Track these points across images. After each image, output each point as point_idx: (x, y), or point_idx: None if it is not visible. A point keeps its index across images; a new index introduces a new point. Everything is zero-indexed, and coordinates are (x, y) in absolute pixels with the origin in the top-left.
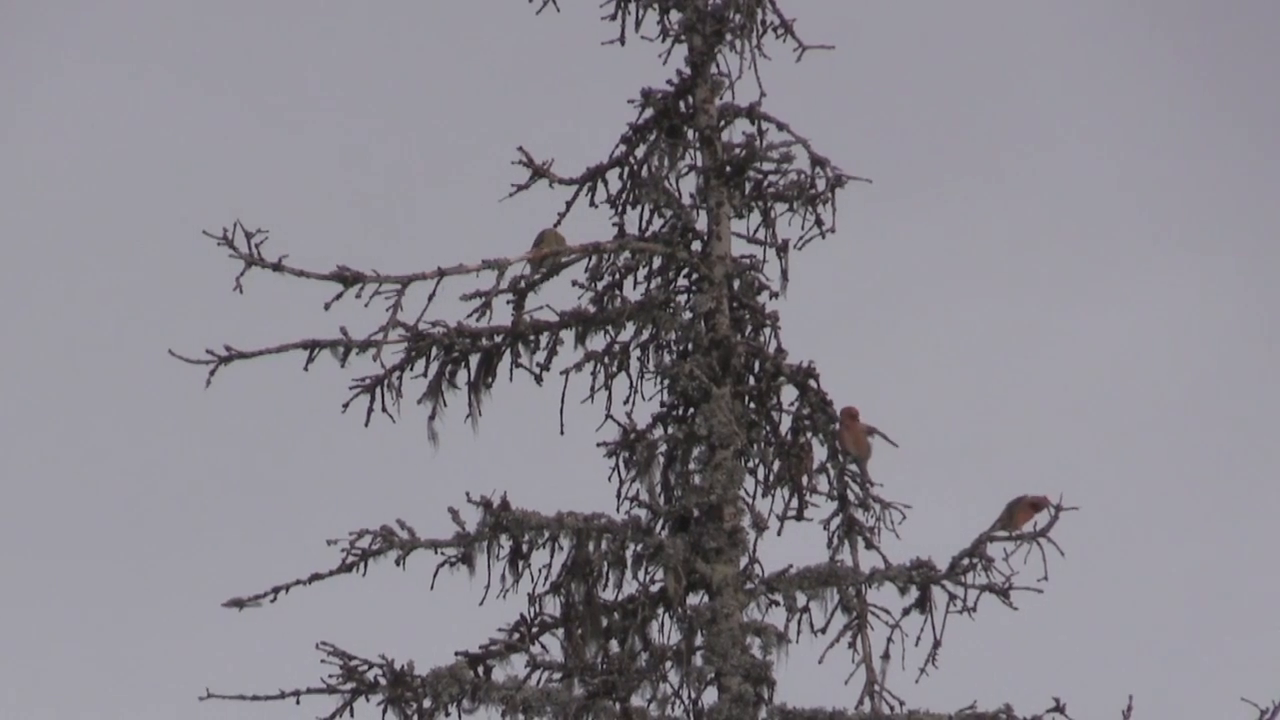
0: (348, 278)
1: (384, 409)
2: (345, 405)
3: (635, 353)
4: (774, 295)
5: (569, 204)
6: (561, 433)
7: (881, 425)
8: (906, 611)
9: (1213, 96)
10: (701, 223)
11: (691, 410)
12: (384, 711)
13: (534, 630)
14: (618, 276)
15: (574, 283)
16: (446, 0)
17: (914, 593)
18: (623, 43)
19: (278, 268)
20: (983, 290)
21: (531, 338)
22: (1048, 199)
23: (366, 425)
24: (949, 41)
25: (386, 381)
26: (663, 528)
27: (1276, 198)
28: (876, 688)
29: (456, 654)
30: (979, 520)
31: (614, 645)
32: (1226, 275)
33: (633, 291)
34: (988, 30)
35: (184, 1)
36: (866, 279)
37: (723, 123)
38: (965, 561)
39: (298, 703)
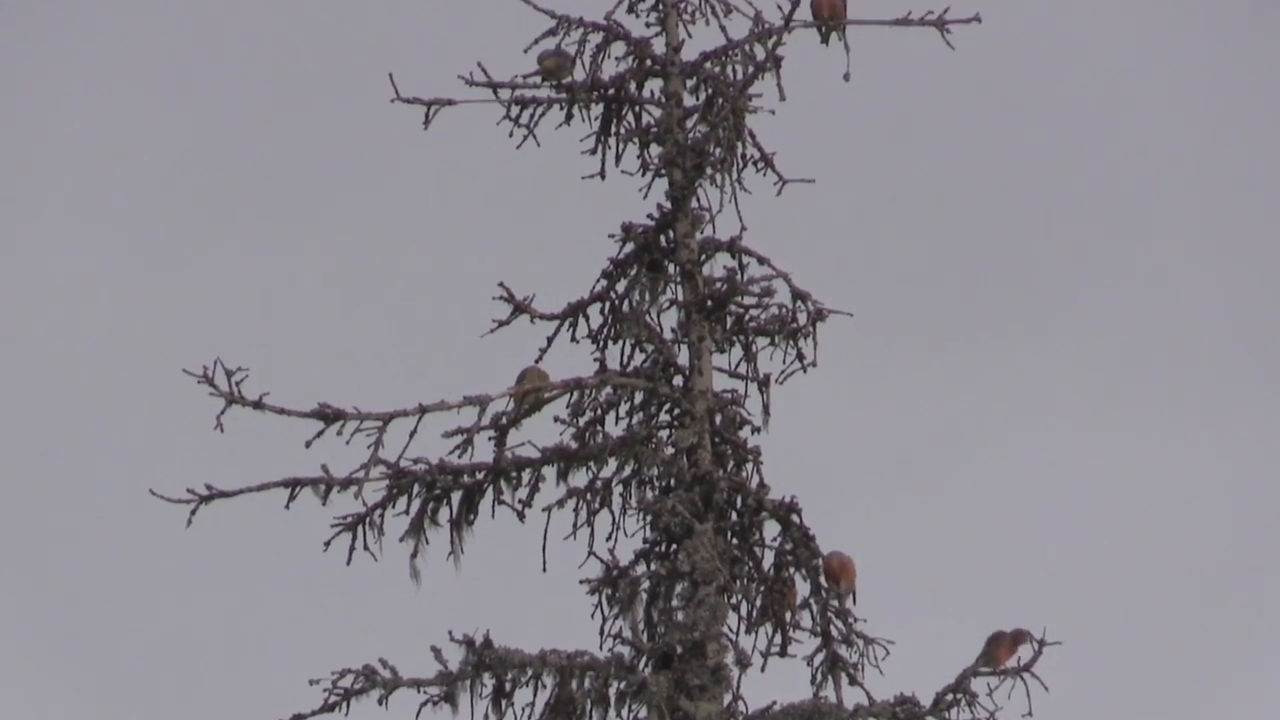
0: (329, 415)
1: (366, 547)
2: (327, 544)
3: (617, 489)
4: (756, 430)
5: (550, 340)
6: (544, 570)
7: (864, 563)
8: None
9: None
10: (683, 358)
11: (674, 546)
12: None
13: None
14: (599, 412)
15: (556, 419)
16: (425, 134)
17: None
18: (603, 177)
19: (258, 406)
20: (964, 425)
21: (513, 474)
22: (1038, 340)
23: (349, 563)
24: (932, 173)
25: (368, 519)
26: (646, 665)
27: None
28: None
29: None
30: (963, 655)
31: None
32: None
33: (615, 427)
34: (966, 158)
35: (162, 134)
36: (849, 413)
37: (704, 257)
38: (949, 697)
39: None
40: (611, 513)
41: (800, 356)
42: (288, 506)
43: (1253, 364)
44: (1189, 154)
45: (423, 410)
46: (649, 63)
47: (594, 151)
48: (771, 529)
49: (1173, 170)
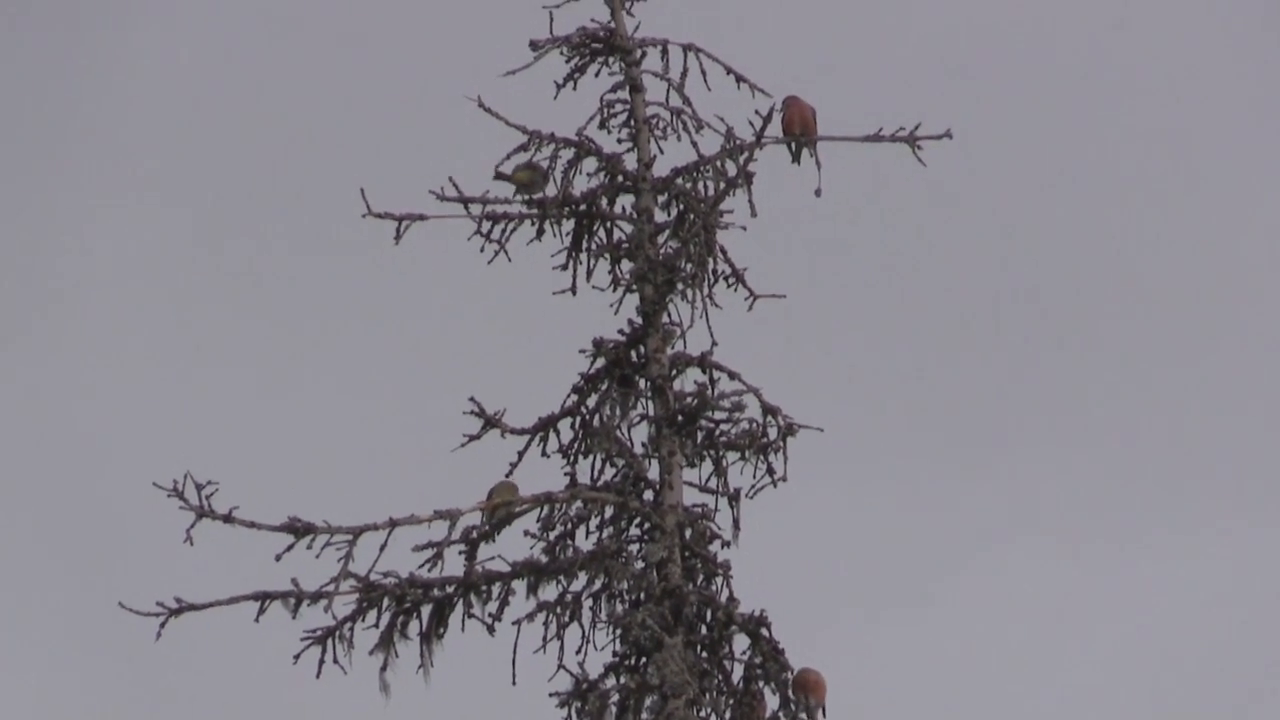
0: (299, 529)
1: (335, 660)
2: (297, 657)
3: (587, 602)
4: (726, 544)
5: (521, 454)
6: (514, 683)
7: (833, 678)
8: None
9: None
10: (653, 472)
11: (644, 660)
12: None
13: None
14: (570, 526)
15: (526, 533)
16: (396, 249)
17: None
18: (574, 292)
19: (228, 519)
20: (935, 541)
21: (483, 588)
22: (1010, 458)
23: (318, 677)
24: (903, 288)
25: (338, 633)
26: None
27: None
28: None
29: None
30: None
31: None
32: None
33: (585, 541)
34: (937, 274)
35: (132, 242)
36: (820, 528)
37: (674, 372)
38: None
39: None
40: (581, 626)
41: (770, 471)
42: (257, 619)
43: (1238, 478)
44: (1161, 263)
45: (393, 524)
46: (620, 178)
47: (565, 267)
48: (741, 643)
49: (1148, 278)
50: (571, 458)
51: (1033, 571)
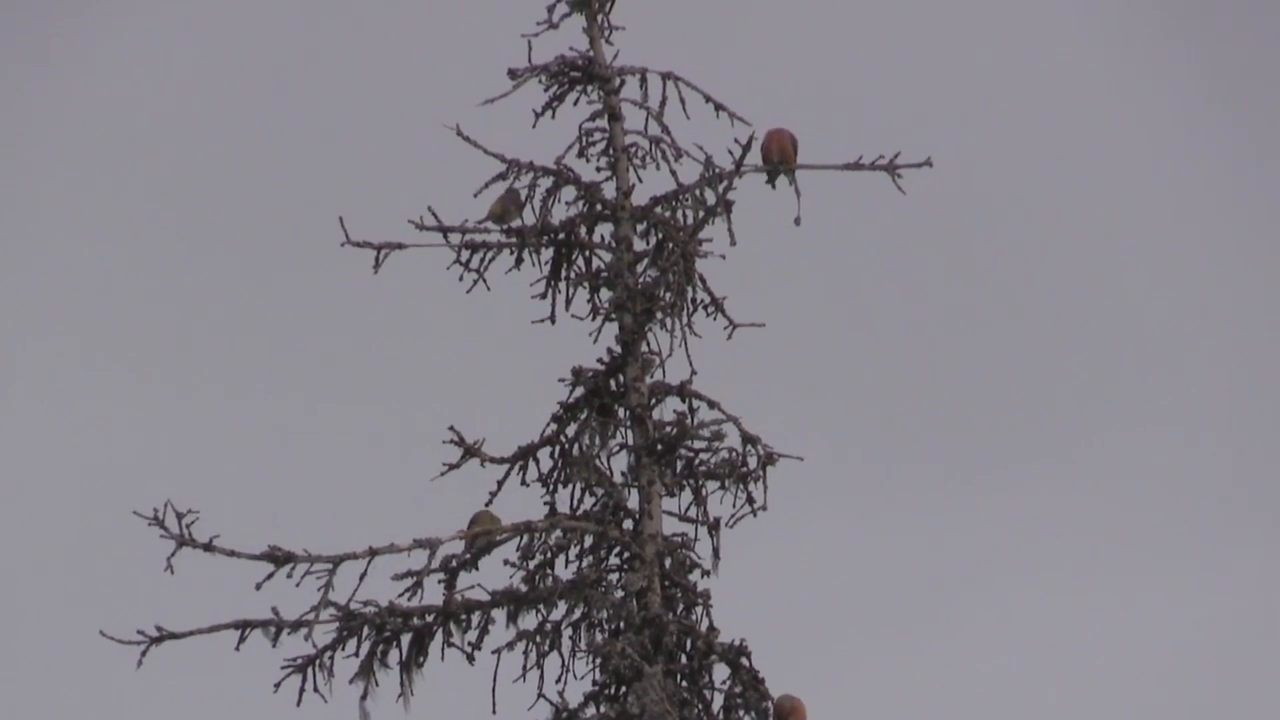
0: (279, 558)
1: (316, 689)
2: (277, 685)
3: (567, 631)
4: (706, 574)
5: (500, 483)
6: (494, 712)
7: (814, 707)
8: None
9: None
10: (633, 501)
11: (624, 689)
12: None
13: None
14: (549, 555)
15: (506, 561)
16: (375, 278)
17: None
18: (553, 321)
19: (209, 548)
20: (916, 571)
21: (463, 617)
22: (984, 490)
23: (298, 705)
24: (882, 317)
25: (318, 661)
26: None
27: None
28: None
29: None
30: None
31: None
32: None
33: (564, 570)
34: (916, 303)
35: (110, 273)
36: (800, 557)
37: (654, 401)
38: None
39: None
40: (561, 655)
41: (750, 500)
42: (238, 648)
43: (1251, 508)
44: (1147, 292)
45: (373, 553)
46: (599, 207)
47: (544, 295)
48: (721, 672)
49: (1142, 301)
50: (551, 487)
51: (1017, 604)
